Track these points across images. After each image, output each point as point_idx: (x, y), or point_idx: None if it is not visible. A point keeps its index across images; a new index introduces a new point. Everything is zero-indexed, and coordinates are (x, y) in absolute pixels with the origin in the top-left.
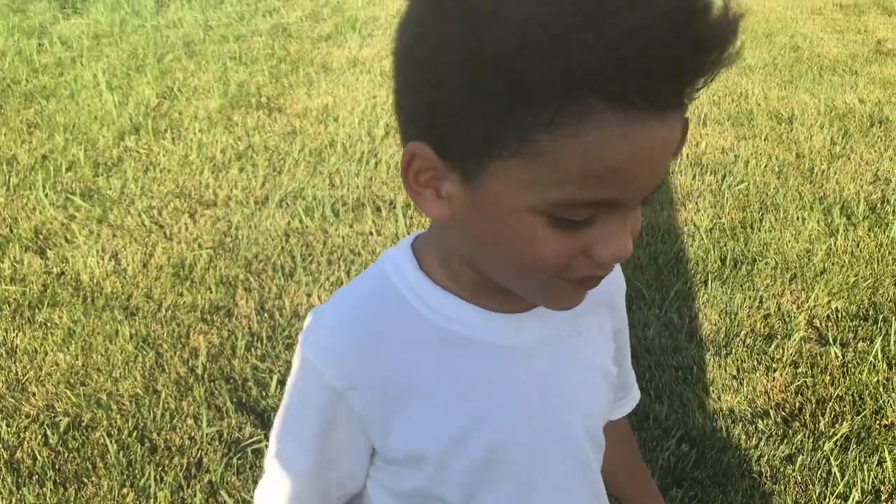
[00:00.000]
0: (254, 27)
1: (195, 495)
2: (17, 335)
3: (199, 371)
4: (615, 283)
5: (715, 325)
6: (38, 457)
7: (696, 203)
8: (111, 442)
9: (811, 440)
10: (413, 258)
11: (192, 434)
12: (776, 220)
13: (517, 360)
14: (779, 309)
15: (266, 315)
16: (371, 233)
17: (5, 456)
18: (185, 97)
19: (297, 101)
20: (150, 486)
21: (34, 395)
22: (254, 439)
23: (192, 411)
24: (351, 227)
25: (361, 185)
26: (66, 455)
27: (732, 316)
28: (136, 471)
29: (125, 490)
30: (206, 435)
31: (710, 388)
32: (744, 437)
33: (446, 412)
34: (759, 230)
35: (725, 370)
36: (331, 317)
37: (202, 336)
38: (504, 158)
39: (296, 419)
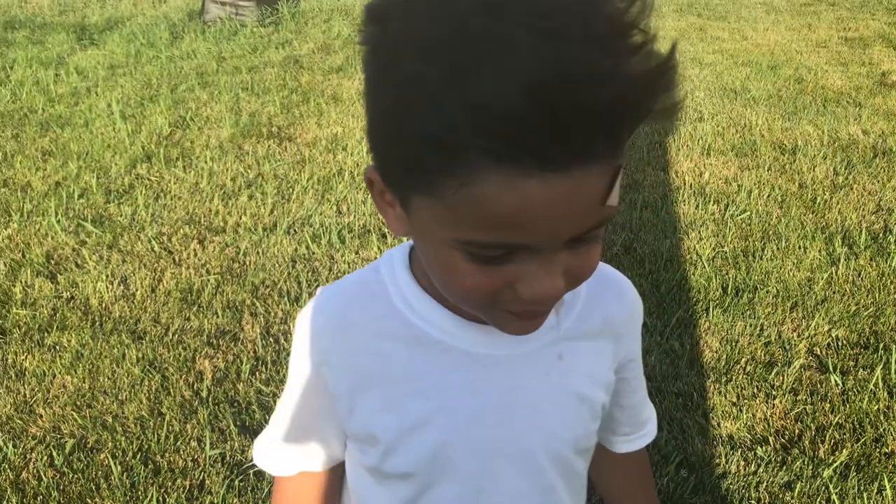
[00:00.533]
0: (266, 59)
1: None
2: (26, 358)
3: (204, 394)
4: (621, 314)
5: (716, 352)
6: (44, 478)
7: (699, 232)
8: (115, 463)
9: (811, 467)
10: (407, 259)
11: (196, 456)
12: (778, 248)
13: (483, 369)
14: (779, 336)
15: (271, 339)
16: (376, 259)
17: (11, 477)
18: (197, 126)
19: (308, 131)
20: None
21: (41, 416)
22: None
23: (195, 434)
24: (357, 253)
25: (368, 212)
26: (70, 476)
27: (733, 343)
28: (140, 492)
29: None
30: (210, 457)
31: (710, 414)
32: (743, 463)
33: (404, 403)
34: (761, 259)
35: (725, 397)
36: (319, 298)
37: (208, 360)
38: (420, 196)
39: (287, 386)
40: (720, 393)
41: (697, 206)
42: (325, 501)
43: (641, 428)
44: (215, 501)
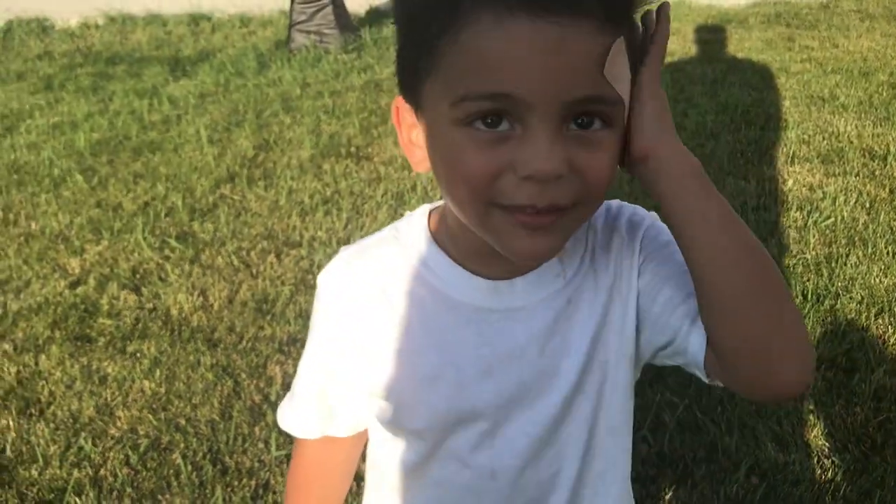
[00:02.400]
0: (348, 83)
1: None
2: (108, 364)
3: (273, 398)
4: (620, 236)
5: None
6: (119, 474)
7: (780, 238)
8: (186, 463)
9: (893, 476)
10: (425, 217)
11: (262, 457)
12: (864, 254)
13: (492, 323)
14: (863, 343)
15: None
16: None
17: (91, 473)
18: (279, 148)
19: (385, 150)
20: None
21: (120, 418)
22: None
23: (263, 436)
24: None
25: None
26: (144, 474)
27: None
28: (207, 490)
29: None
30: (275, 458)
31: (784, 421)
32: (818, 470)
33: (415, 358)
34: (845, 265)
35: (802, 403)
36: (342, 254)
37: (279, 366)
38: (428, 77)
39: (308, 345)
40: (798, 399)
41: (779, 213)
42: (346, 468)
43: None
44: (279, 500)
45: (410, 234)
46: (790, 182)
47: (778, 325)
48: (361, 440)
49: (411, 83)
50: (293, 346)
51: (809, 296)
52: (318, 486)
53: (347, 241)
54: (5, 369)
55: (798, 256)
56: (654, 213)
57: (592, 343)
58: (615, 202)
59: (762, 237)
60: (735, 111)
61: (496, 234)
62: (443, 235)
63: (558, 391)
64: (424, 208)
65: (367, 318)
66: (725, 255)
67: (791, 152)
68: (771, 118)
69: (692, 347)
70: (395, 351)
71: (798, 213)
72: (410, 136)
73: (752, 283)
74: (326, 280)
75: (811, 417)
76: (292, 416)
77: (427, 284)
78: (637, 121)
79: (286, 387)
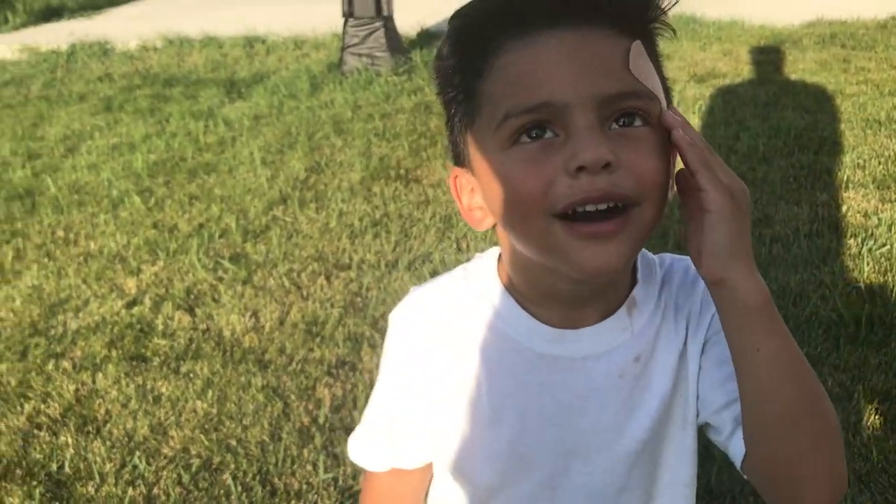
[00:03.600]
0: (399, 106)
1: None
2: (163, 384)
3: (321, 421)
4: (689, 294)
5: (847, 390)
6: (172, 493)
7: (832, 266)
8: (236, 484)
9: None
10: (495, 260)
11: (310, 479)
12: None
13: (556, 371)
14: None
15: None
16: None
17: (144, 491)
18: (330, 171)
19: (434, 173)
20: None
21: (173, 438)
22: None
23: (311, 458)
24: None
25: (486, 248)
26: (195, 494)
27: (866, 381)
28: None
29: None
30: (323, 481)
31: None
32: None
33: (477, 401)
34: None
35: (855, 436)
36: (413, 294)
37: (327, 388)
38: (472, 123)
39: (378, 380)
40: (850, 431)
41: (832, 240)
42: (414, 499)
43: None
44: None
45: (480, 276)
46: (844, 208)
47: (820, 457)
48: (429, 472)
49: (461, 144)
50: (341, 368)
51: (863, 325)
52: None
53: (395, 265)
54: (65, 387)
55: (852, 285)
56: None
57: (661, 405)
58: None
59: (815, 264)
60: (788, 135)
61: (561, 253)
62: (510, 279)
63: (620, 449)
64: (494, 251)
65: (434, 357)
66: (781, 395)
67: (846, 177)
68: (825, 142)
69: (733, 449)
70: (459, 392)
71: (852, 240)
72: (471, 202)
73: (803, 422)
74: (397, 319)
75: (864, 451)
76: (362, 448)
77: (493, 327)
78: (708, 239)
79: (334, 409)
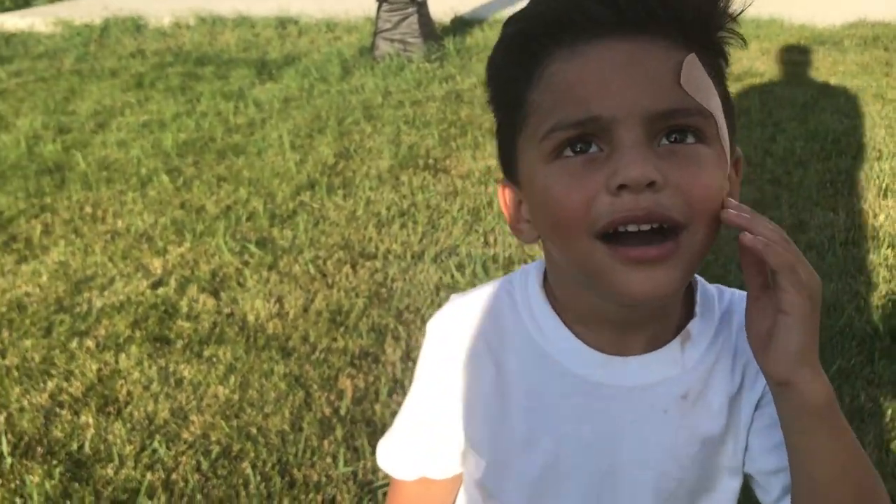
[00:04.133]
0: (430, 93)
1: None
2: (185, 367)
3: (343, 412)
4: (750, 360)
5: (880, 405)
6: (190, 480)
7: (869, 277)
8: (255, 473)
9: None
10: (542, 276)
11: (329, 472)
12: None
13: (598, 398)
14: None
15: (411, 364)
16: None
17: (163, 476)
18: (359, 157)
19: (463, 163)
20: None
21: (193, 423)
22: (385, 482)
23: (331, 450)
24: None
25: (514, 243)
26: (214, 481)
27: None
28: (275, 502)
29: None
30: (342, 474)
31: None
32: None
33: (515, 420)
34: None
35: (889, 455)
36: (452, 306)
37: (349, 379)
38: (520, 133)
39: (413, 386)
40: (882, 450)
41: (868, 250)
42: None
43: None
44: None
45: (523, 289)
46: (881, 217)
47: None
48: (457, 483)
49: (508, 152)
50: (364, 359)
51: None
52: None
53: (421, 256)
54: (87, 366)
55: (888, 296)
56: None
57: (706, 448)
58: None
59: (850, 274)
60: (826, 138)
61: (605, 276)
62: (555, 296)
63: (657, 487)
64: (540, 264)
65: (471, 371)
66: (835, 494)
67: (885, 185)
68: (864, 147)
69: None
70: (494, 409)
71: (889, 251)
72: (518, 215)
73: None
74: (436, 327)
75: None
76: (391, 455)
77: (536, 346)
78: (781, 341)
79: (356, 401)
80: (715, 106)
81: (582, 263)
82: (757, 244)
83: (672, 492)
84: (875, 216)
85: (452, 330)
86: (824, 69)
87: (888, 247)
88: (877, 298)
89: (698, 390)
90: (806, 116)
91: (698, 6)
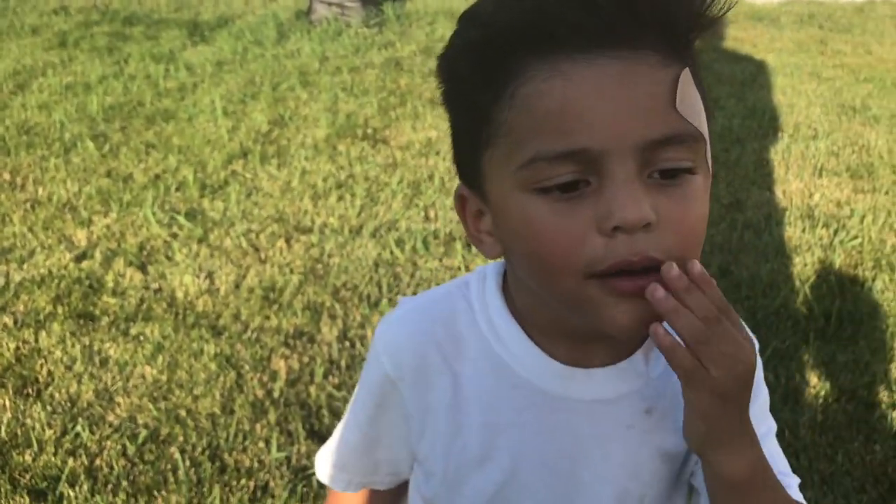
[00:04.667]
0: (368, 60)
1: None
2: (111, 346)
3: (276, 395)
4: None
5: (813, 387)
6: (115, 466)
7: (804, 257)
8: (184, 458)
9: None
10: (500, 279)
11: (262, 457)
12: (890, 280)
13: (558, 412)
14: (885, 376)
15: (347, 343)
16: (460, 268)
17: (86, 462)
18: (294, 125)
19: (402, 134)
20: None
21: (119, 405)
22: None
23: (264, 434)
24: (440, 261)
25: (455, 219)
26: (141, 467)
27: (833, 379)
28: (205, 489)
29: None
30: (275, 459)
31: (802, 454)
32: None
33: (469, 434)
34: (872, 290)
35: (822, 435)
36: (401, 309)
37: (283, 360)
38: (487, 147)
39: (358, 395)
40: (816, 432)
41: (804, 229)
42: None
43: None
44: None
45: (482, 297)
46: (817, 196)
47: None
48: (402, 490)
49: (470, 161)
50: (299, 339)
51: (832, 320)
52: None
53: (359, 231)
54: (4, 345)
55: (822, 277)
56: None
57: (670, 467)
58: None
59: (786, 254)
60: (763, 116)
61: (594, 309)
62: (515, 302)
63: (612, 500)
64: (498, 267)
65: (423, 383)
66: None
67: (819, 164)
68: (800, 126)
69: None
70: (447, 423)
71: (824, 231)
72: (478, 225)
73: None
74: (384, 332)
75: (829, 452)
76: (332, 468)
77: (494, 356)
78: (686, 425)
79: (290, 383)
80: (705, 123)
81: (567, 298)
82: (662, 342)
83: None
84: (811, 195)
85: (402, 339)
86: (762, 46)
87: (823, 226)
88: (812, 280)
89: (665, 407)
90: (744, 94)
91: (689, 10)
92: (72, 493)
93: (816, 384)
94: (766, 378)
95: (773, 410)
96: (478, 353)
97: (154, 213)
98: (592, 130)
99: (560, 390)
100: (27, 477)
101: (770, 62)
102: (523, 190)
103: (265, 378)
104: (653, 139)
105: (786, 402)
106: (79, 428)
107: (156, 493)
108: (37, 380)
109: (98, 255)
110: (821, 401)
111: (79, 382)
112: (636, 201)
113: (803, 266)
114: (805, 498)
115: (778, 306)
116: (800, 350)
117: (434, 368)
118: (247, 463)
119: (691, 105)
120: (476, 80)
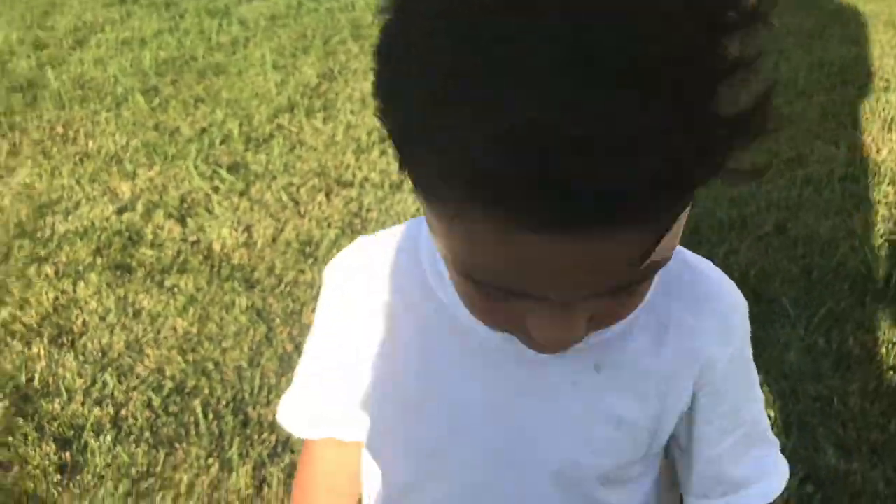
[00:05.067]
0: None
1: (273, 475)
2: (144, 298)
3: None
4: (710, 344)
5: (868, 352)
6: (139, 417)
7: (866, 215)
8: (207, 411)
9: None
10: None
11: None
12: None
13: (498, 361)
14: None
15: None
16: None
17: (111, 413)
18: (343, 79)
19: None
20: (233, 460)
21: (148, 356)
22: None
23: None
24: None
25: None
26: (164, 419)
27: (890, 344)
28: (226, 442)
29: (211, 460)
30: None
31: (850, 424)
32: (882, 483)
33: (404, 380)
34: None
35: (873, 404)
36: (357, 243)
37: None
38: (418, 189)
39: (313, 327)
40: (868, 400)
41: (869, 186)
42: (354, 479)
43: (741, 488)
44: (294, 461)
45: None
46: (885, 151)
47: None
48: None
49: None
50: None
51: (893, 283)
52: (325, 492)
53: (399, 186)
54: (44, 294)
55: (885, 236)
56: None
57: (622, 434)
58: (727, 286)
59: (847, 211)
60: (831, 68)
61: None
62: None
63: (561, 471)
64: None
65: (370, 314)
66: None
67: (890, 118)
68: (871, 78)
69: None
70: (385, 367)
71: (890, 188)
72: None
73: None
74: (337, 265)
75: (882, 421)
76: (292, 410)
77: (435, 299)
78: None
79: None
80: (675, 243)
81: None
82: None
83: (579, 478)
84: (878, 151)
85: (355, 269)
86: None
87: (889, 183)
88: (873, 239)
89: (616, 364)
90: (812, 45)
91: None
92: (94, 444)
93: (872, 349)
94: (815, 341)
95: (822, 376)
96: (420, 296)
97: (197, 167)
98: (538, 288)
99: (500, 338)
100: (55, 425)
101: (843, 11)
102: (453, 264)
103: (295, 332)
104: (609, 289)
105: (837, 368)
106: (107, 378)
107: (177, 444)
108: (72, 330)
109: (140, 207)
110: (874, 366)
111: (111, 333)
112: (570, 329)
113: (865, 224)
114: (852, 469)
115: (835, 265)
116: (855, 312)
117: (380, 304)
118: (269, 417)
119: (666, 249)
120: (418, 156)
